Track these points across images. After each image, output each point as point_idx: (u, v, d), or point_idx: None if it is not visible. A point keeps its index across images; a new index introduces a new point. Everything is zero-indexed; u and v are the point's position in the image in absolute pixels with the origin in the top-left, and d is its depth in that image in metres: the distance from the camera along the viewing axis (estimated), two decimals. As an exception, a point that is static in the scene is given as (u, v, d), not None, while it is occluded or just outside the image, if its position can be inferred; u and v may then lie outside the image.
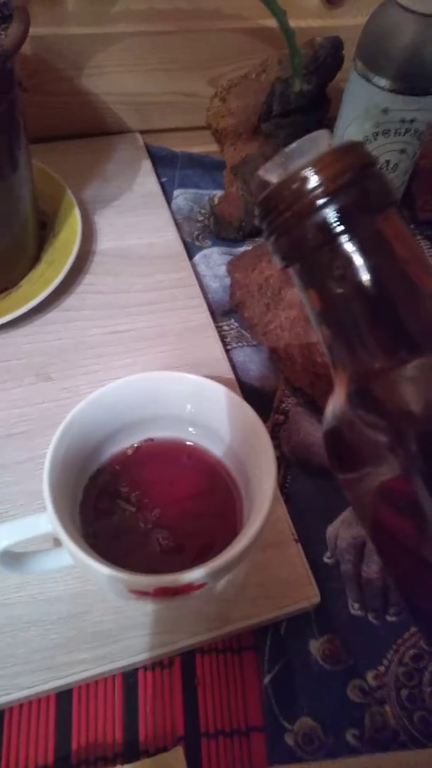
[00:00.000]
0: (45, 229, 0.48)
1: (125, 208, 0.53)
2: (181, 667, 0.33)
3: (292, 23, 0.54)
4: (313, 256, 0.17)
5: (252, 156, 0.52)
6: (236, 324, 0.48)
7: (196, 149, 0.61)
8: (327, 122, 0.53)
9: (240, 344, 0.47)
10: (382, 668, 0.34)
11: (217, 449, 0.34)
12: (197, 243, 0.53)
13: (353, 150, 0.17)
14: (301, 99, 0.50)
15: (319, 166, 0.17)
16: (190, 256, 0.51)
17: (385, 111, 0.44)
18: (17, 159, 0.40)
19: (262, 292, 0.46)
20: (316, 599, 0.34)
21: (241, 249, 0.53)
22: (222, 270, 0.51)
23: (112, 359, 0.43)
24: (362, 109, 0.45)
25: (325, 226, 0.17)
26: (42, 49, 0.51)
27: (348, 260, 0.17)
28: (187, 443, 0.35)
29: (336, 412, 0.18)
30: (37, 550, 0.31)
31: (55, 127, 0.57)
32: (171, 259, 0.50)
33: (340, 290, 0.17)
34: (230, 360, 0.45)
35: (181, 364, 0.43)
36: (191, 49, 0.55)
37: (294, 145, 0.18)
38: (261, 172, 0.18)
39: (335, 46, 0.49)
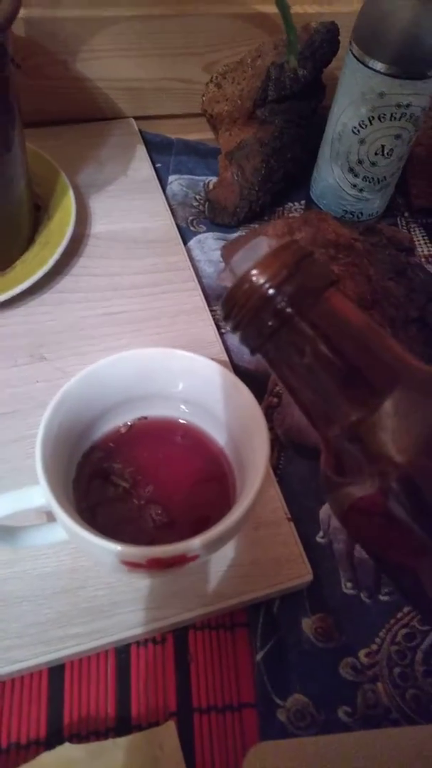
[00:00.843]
0: (39, 211, 0.48)
1: (120, 193, 0.53)
2: (174, 643, 0.33)
3: (288, 9, 0.54)
4: (273, 340, 0.20)
5: (247, 141, 0.52)
6: (230, 308, 0.48)
7: (191, 136, 0.61)
8: (322, 109, 0.53)
9: (234, 328, 0.47)
10: (374, 647, 0.34)
11: (210, 427, 0.34)
12: (192, 228, 0.53)
13: (288, 248, 0.20)
14: (297, 84, 0.50)
15: (262, 266, 0.20)
16: (185, 241, 0.51)
17: (380, 95, 0.44)
18: (11, 138, 0.39)
19: (256, 276, 0.46)
20: (309, 577, 0.34)
21: (236, 234, 0.53)
22: (216, 255, 0.51)
23: (106, 340, 0.43)
24: (358, 93, 0.45)
25: (277, 313, 0.20)
26: (35, 32, 0.51)
27: (303, 337, 0.20)
28: (181, 421, 0.35)
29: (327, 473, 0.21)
30: (31, 524, 0.31)
31: (49, 112, 0.57)
32: (165, 244, 0.50)
33: (302, 363, 0.20)
34: (224, 343, 0.45)
35: (175, 346, 0.42)
36: (186, 35, 0.55)
37: (239, 253, 0.21)
38: (218, 281, 0.21)
39: (331, 31, 0.49)
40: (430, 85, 0.43)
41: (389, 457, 0.18)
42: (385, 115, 0.45)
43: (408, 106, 0.44)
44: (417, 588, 0.21)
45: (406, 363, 0.19)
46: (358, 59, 0.44)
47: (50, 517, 0.32)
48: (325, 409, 0.20)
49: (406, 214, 0.57)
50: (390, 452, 0.18)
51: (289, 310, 0.19)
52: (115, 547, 0.25)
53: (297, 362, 0.20)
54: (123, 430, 0.34)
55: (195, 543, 0.26)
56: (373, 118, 0.45)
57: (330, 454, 0.21)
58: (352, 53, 0.44)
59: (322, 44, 0.49)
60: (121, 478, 0.32)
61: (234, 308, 0.20)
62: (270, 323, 0.20)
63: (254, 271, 0.20)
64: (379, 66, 0.43)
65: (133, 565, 0.26)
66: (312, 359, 0.19)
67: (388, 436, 0.18)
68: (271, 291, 0.19)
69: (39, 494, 0.27)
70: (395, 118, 0.45)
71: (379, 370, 0.19)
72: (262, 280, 0.20)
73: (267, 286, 0.19)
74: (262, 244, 0.21)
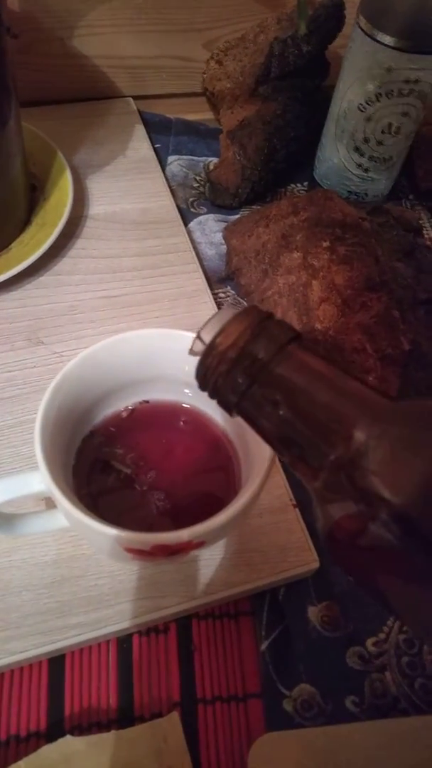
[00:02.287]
0: (35, 192, 0.47)
1: (118, 173, 0.52)
2: (177, 632, 0.32)
3: (292, -17, 0.53)
4: (247, 398, 0.21)
5: (249, 120, 0.50)
6: (232, 291, 0.47)
7: (190, 117, 0.60)
8: (325, 88, 0.52)
9: (236, 311, 0.46)
10: (382, 635, 0.33)
11: (214, 412, 0.33)
12: (192, 210, 0.52)
13: (249, 313, 0.22)
14: (301, 60, 0.48)
15: (226, 333, 0.22)
16: (185, 223, 0.50)
17: (388, 70, 0.42)
18: (6, 113, 0.38)
19: (259, 258, 0.44)
20: (315, 564, 0.33)
21: (238, 216, 0.51)
22: (218, 237, 0.50)
23: (105, 324, 0.42)
24: (365, 68, 0.43)
25: (245, 373, 0.21)
26: (31, 5, 0.49)
27: (272, 390, 0.21)
28: (184, 405, 0.34)
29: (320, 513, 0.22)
30: (30, 512, 0.30)
31: (46, 90, 0.55)
32: (165, 225, 0.48)
33: (276, 415, 0.21)
34: (226, 327, 0.44)
35: (177, 329, 0.41)
36: (186, 10, 0.54)
37: (207, 325, 0.22)
38: (190, 354, 0.23)
39: (337, 5, 0.48)
40: (440, 60, 0.42)
41: (370, 490, 0.19)
42: (392, 91, 0.43)
43: (416, 81, 0.43)
44: (396, 607, 0.22)
45: (373, 399, 0.21)
46: (365, 32, 0.42)
47: (49, 505, 0.32)
48: (303, 453, 0.21)
49: (411, 197, 0.55)
50: (371, 486, 0.19)
51: (255, 368, 0.21)
52: (119, 534, 0.24)
53: (271, 415, 0.21)
54: (124, 415, 0.33)
55: (200, 529, 0.25)
56: (380, 94, 0.44)
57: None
58: (359, 26, 0.43)
59: (328, 19, 0.48)
60: (122, 464, 0.31)
61: (207, 375, 0.22)
62: (241, 382, 0.21)
63: (220, 339, 0.22)
64: (387, 39, 0.41)
65: (137, 552, 0.26)
66: (284, 409, 0.21)
67: (366, 469, 0.19)
68: (236, 353, 0.21)
69: (38, 480, 0.26)
70: (403, 95, 0.44)
71: (348, 410, 0.20)
72: (228, 345, 0.21)
73: (233, 349, 0.21)
74: (227, 313, 0.22)
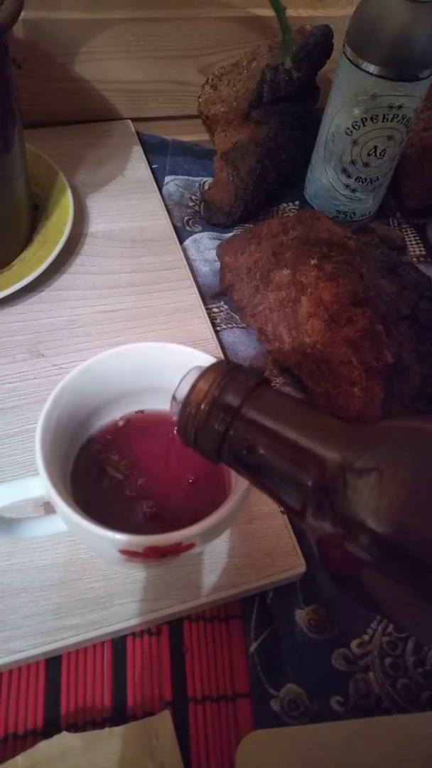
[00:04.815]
0: (38, 210, 0.49)
1: (117, 193, 0.53)
2: (170, 634, 0.34)
3: (283, 12, 0.55)
4: (225, 443, 0.23)
5: (242, 142, 0.52)
6: (226, 306, 0.49)
7: (187, 138, 0.62)
8: (316, 111, 0.54)
9: (229, 326, 0.48)
10: (366, 637, 0.35)
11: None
12: (188, 228, 0.54)
13: (216, 367, 0.24)
14: (291, 86, 0.51)
15: (197, 388, 0.24)
16: (181, 241, 0.52)
17: (373, 96, 0.44)
18: (11, 138, 0.40)
19: (251, 275, 0.46)
20: (302, 569, 0.35)
21: (231, 234, 0.53)
22: (212, 254, 0.52)
23: (102, 337, 0.43)
24: (351, 94, 0.45)
25: (220, 420, 0.23)
26: (34, 33, 0.52)
27: (247, 432, 0.23)
28: (177, 416, 0.35)
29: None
30: (29, 516, 0.31)
31: (48, 113, 0.57)
32: (161, 243, 0.50)
33: (254, 455, 0.22)
34: (220, 341, 0.46)
35: (172, 343, 0.43)
36: (183, 37, 0.56)
37: (181, 384, 0.25)
38: (170, 414, 0.25)
39: (325, 34, 0.50)
40: (422, 87, 0.44)
41: (348, 516, 0.20)
42: (377, 116, 0.46)
43: (400, 107, 0.45)
44: (391, 615, 0.24)
45: (343, 429, 0.22)
46: (351, 61, 0.44)
47: (48, 510, 0.33)
48: (283, 488, 0.23)
49: (398, 215, 0.57)
50: (349, 512, 0.20)
51: (228, 415, 0.23)
52: (114, 536, 0.26)
53: (249, 456, 0.23)
54: (120, 424, 0.35)
55: (190, 532, 0.26)
56: (366, 119, 0.46)
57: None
58: (345, 56, 0.45)
59: (316, 47, 0.50)
60: (115, 470, 0.32)
61: (186, 429, 0.24)
62: (217, 431, 0.23)
63: (192, 396, 0.24)
64: (372, 68, 0.43)
65: (130, 554, 0.27)
66: (260, 449, 0.22)
67: (347, 496, 0.20)
68: (209, 406, 0.23)
69: (38, 485, 0.28)
70: (387, 120, 0.46)
71: (321, 441, 0.22)
72: (200, 399, 0.23)
73: (206, 402, 0.23)
74: (196, 372, 0.24)
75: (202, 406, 0.23)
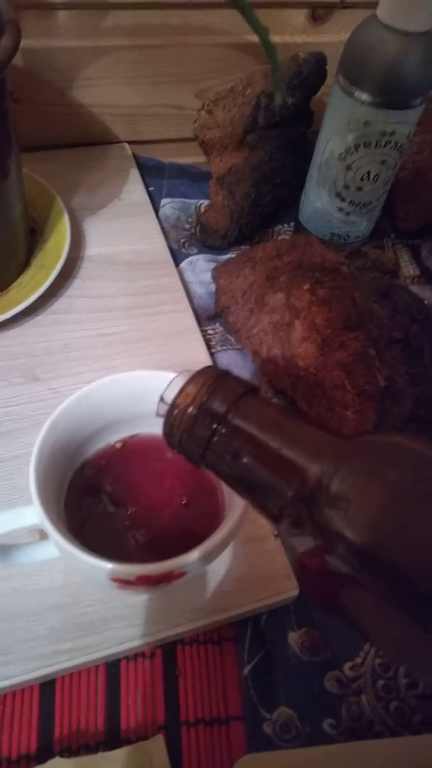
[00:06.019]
0: (35, 235, 0.49)
1: (113, 216, 0.54)
2: (163, 658, 0.34)
3: (278, 39, 0.56)
4: (209, 449, 0.23)
5: (238, 167, 0.53)
6: (221, 328, 0.49)
7: (184, 160, 0.63)
8: (310, 135, 0.55)
9: (224, 348, 0.48)
10: (359, 660, 0.35)
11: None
12: (184, 250, 0.55)
13: (205, 372, 0.25)
14: (286, 112, 0.52)
15: (185, 392, 0.24)
16: (177, 263, 0.53)
17: (366, 124, 0.45)
18: (8, 167, 0.41)
19: (246, 298, 0.47)
20: (295, 592, 0.35)
21: (226, 256, 0.54)
22: (207, 276, 0.52)
23: (99, 361, 0.44)
24: (344, 122, 0.46)
25: (205, 426, 0.23)
26: (33, 62, 0.53)
27: (231, 439, 0.23)
28: (171, 441, 0.36)
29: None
30: (24, 542, 0.32)
31: (45, 137, 0.58)
32: (158, 266, 0.51)
33: (238, 462, 0.23)
34: (215, 363, 0.46)
35: (167, 366, 0.43)
36: (180, 63, 0.57)
37: (169, 386, 0.25)
38: (157, 416, 0.25)
39: (319, 61, 0.51)
40: (413, 114, 0.45)
41: (325, 526, 0.20)
42: (370, 142, 0.46)
43: (392, 134, 0.46)
44: (366, 632, 0.24)
45: (322, 440, 0.22)
46: (344, 90, 0.45)
47: (43, 535, 0.33)
48: (264, 496, 0.23)
49: (393, 236, 0.58)
50: (326, 522, 0.20)
51: (214, 421, 0.23)
52: (106, 565, 0.26)
53: (232, 462, 0.23)
54: (114, 448, 0.35)
55: (181, 561, 0.26)
56: (358, 145, 0.47)
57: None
58: (338, 84, 0.46)
59: (310, 74, 0.51)
60: (110, 496, 0.33)
61: (172, 432, 0.24)
62: (202, 435, 0.23)
63: (180, 399, 0.24)
64: (364, 96, 0.44)
65: (122, 582, 0.27)
66: (243, 456, 0.23)
67: (327, 507, 0.20)
68: (197, 410, 0.23)
69: (32, 514, 0.28)
70: (380, 146, 0.47)
71: (299, 451, 0.22)
72: (188, 403, 0.24)
73: (193, 406, 0.24)
74: (185, 375, 0.25)
75: (189, 410, 0.24)
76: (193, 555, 0.27)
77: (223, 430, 0.23)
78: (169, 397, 0.25)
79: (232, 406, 0.23)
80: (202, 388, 0.24)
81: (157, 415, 0.25)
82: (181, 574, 0.28)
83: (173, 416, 0.24)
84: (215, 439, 0.23)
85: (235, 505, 0.29)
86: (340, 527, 0.20)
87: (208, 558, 0.28)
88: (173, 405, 0.24)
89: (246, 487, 0.24)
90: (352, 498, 0.20)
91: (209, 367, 0.25)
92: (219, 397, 0.23)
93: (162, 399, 0.25)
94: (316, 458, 0.21)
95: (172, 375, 0.33)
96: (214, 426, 0.23)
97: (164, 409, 0.25)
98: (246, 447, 0.23)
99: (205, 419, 0.23)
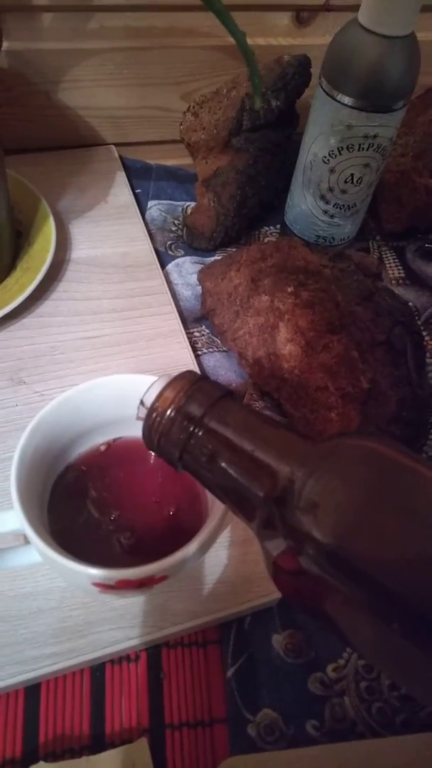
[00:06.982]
0: (20, 238, 0.49)
1: (99, 219, 0.54)
2: (148, 661, 0.34)
3: (263, 41, 0.57)
4: (187, 451, 0.24)
5: (223, 169, 0.53)
6: (207, 330, 0.50)
7: (171, 162, 0.63)
8: (295, 137, 0.55)
9: (210, 350, 0.48)
10: (342, 661, 0.35)
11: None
12: (170, 252, 0.55)
13: (183, 377, 0.25)
14: (270, 114, 0.52)
15: (164, 396, 0.25)
16: (163, 265, 0.53)
17: (348, 127, 0.45)
18: (-8, 170, 0.41)
19: (231, 300, 0.47)
20: (279, 595, 0.35)
21: (212, 258, 0.54)
22: (194, 278, 0.52)
23: (84, 363, 0.44)
24: (327, 124, 0.47)
25: (182, 429, 0.24)
26: (18, 64, 0.53)
27: (207, 442, 0.24)
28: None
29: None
30: (8, 546, 0.32)
31: (31, 139, 0.58)
32: (144, 268, 0.51)
33: (214, 464, 0.23)
34: (201, 365, 0.46)
35: (152, 368, 0.44)
36: (165, 65, 0.57)
37: (149, 390, 0.25)
38: (137, 419, 0.26)
39: (303, 63, 0.51)
40: (396, 117, 0.45)
41: (296, 527, 0.21)
42: (353, 145, 0.47)
43: (375, 137, 0.46)
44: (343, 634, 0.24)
45: (295, 443, 0.23)
46: (327, 93, 0.45)
47: (27, 539, 0.33)
48: (239, 498, 0.24)
49: (378, 238, 0.59)
50: (297, 523, 0.21)
51: (191, 424, 0.24)
52: (86, 570, 0.26)
53: (208, 464, 0.24)
54: (97, 452, 0.35)
55: (161, 565, 0.27)
56: (342, 148, 0.47)
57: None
58: (321, 87, 0.46)
59: (295, 77, 0.51)
60: (92, 500, 0.33)
61: (151, 434, 0.25)
62: (180, 438, 0.24)
63: (159, 402, 0.25)
64: (347, 100, 0.44)
65: (104, 587, 0.28)
66: (219, 458, 0.24)
67: (297, 509, 0.21)
68: (174, 413, 0.24)
69: (13, 519, 0.28)
70: (363, 149, 0.47)
71: (274, 455, 0.23)
72: (166, 406, 0.24)
73: (171, 409, 0.24)
74: (164, 380, 0.25)
75: (167, 413, 0.24)
76: (173, 559, 0.27)
77: (200, 433, 0.24)
78: (149, 400, 0.25)
79: (209, 409, 0.24)
80: (180, 392, 0.24)
81: (137, 418, 0.26)
82: (163, 578, 0.28)
83: (152, 419, 0.25)
84: (192, 441, 0.24)
85: (217, 507, 0.29)
86: (308, 528, 0.20)
87: (188, 563, 0.28)
88: (152, 408, 0.25)
89: (221, 488, 0.24)
90: (320, 500, 0.20)
91: (188, 371, 0.26)
92: (196, 401, 0.24)
93: (142, 402, 0.26)
94: (287, 460, 0.22)
95: (153, 379, 0.34)
96: (191, 429, 0.24)
97: (144, 412, 0.26)
98: (221, 449, 0.23)
99: (183, 422, 0.24)
